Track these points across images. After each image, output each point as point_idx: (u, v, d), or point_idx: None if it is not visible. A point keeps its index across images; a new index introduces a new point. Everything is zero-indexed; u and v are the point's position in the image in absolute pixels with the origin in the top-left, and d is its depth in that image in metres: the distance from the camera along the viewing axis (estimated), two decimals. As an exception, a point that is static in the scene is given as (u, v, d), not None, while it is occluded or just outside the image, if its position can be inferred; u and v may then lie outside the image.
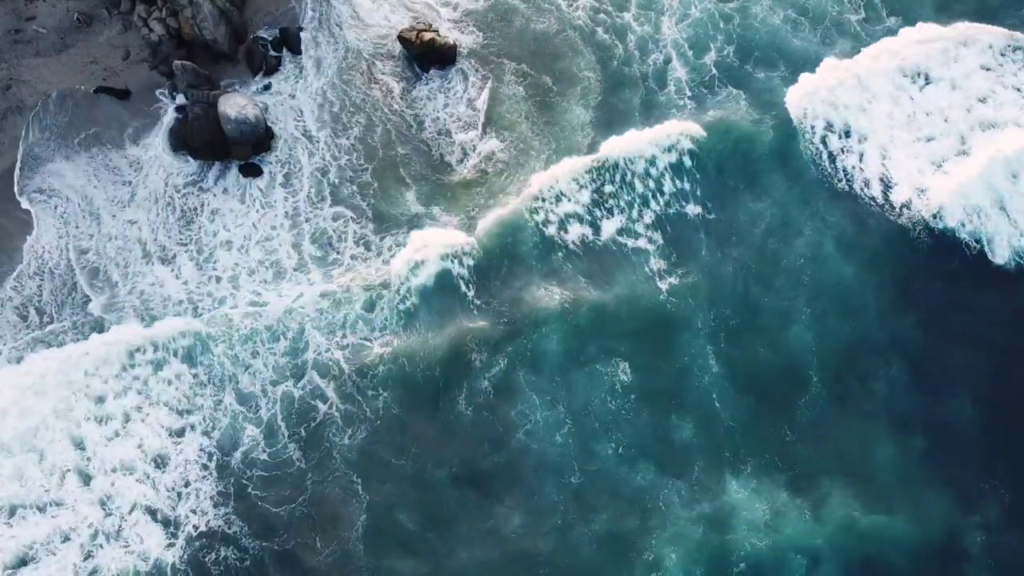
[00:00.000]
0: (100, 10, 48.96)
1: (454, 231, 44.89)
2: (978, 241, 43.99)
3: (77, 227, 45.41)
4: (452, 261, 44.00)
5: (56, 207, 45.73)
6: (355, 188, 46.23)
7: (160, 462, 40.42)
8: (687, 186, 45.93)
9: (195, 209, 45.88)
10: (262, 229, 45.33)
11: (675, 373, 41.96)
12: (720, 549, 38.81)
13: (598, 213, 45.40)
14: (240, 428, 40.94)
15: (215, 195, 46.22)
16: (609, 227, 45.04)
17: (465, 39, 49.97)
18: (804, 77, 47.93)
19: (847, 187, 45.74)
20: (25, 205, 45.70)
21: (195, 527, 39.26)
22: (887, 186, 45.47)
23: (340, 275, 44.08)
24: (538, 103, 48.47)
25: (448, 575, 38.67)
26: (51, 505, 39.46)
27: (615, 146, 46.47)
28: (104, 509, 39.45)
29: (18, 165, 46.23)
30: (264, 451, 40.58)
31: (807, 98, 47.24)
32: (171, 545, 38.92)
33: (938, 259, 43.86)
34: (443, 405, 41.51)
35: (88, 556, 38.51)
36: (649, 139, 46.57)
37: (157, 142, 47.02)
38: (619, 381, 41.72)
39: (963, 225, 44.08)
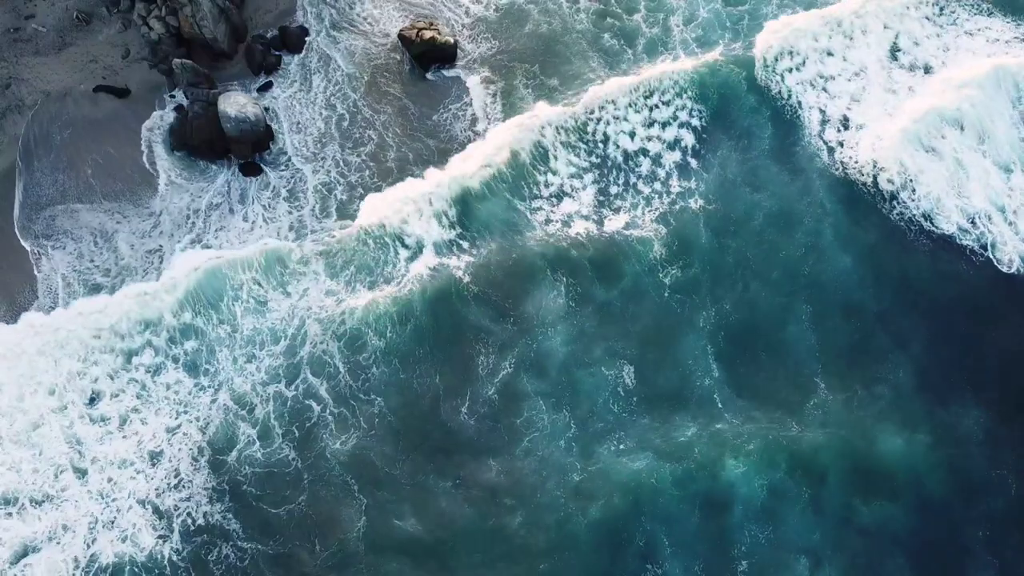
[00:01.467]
0: (99, 8, 48.75)
1: (414, 180, 45.12)
2: (983, 244, 43.67)
3: (92, 261, 44.40)
4: (449, 257, 43.70)
5: (65, 246, 44.64)
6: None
7: (156, 458, 40.06)
8: (686, 160, 46.06)
9: (204, 228, 45.33)
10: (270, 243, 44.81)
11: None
12: (720, 540, 38.52)
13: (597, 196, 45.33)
14: (236, 427, 40.53)
15: (223, 213, 45.67)
16: (612, 218, 44.89)
17: (479, 49, 49.59)
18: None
19: (842, 172, 45.72)
20: (27, 246, 44.53)
21: (191, 519, 38.95)
22: (881, 173, 45.39)
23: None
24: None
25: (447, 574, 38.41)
26: (50, 499, 39.28)
27: (598, 93, 46.90)
28: (101, 503, 39.18)
29: (17, 201, 45.31)
30: (260, 451, 40.18)
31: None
32: (166, 538, 38.64)
33: (940, 254, 43.73)
34: (442, 404, 41.16)
35: (87, 547, 38.37)
36: (631, 84, 47.10)
37: (165, 165, 46.51)
38: (622, 384, 41.38)
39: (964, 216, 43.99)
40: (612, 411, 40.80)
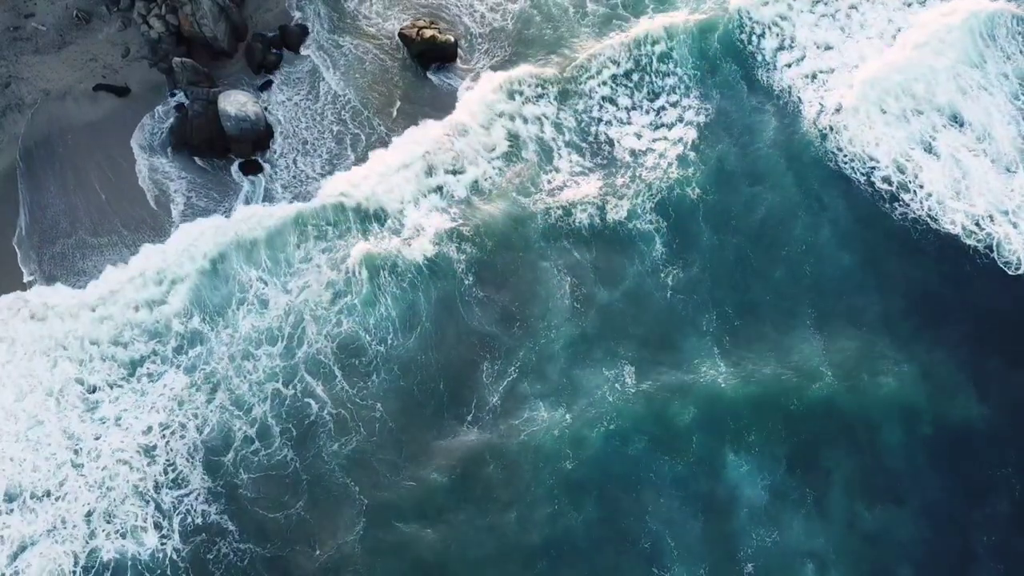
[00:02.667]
0: (99, 7, 48.60)
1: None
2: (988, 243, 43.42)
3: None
4: (450, 244, 43.70)
5: (75, 284, 43.75)
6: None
7: (153, 457, 40.14)
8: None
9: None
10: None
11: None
12: (725, 541, 38.42)
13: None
14: (234, 428, 40.52)
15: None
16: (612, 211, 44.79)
17: (485, 55, 49.25)
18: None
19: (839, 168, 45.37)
20: (26, 272, 44.07)
21: (189, 517, 39.03)
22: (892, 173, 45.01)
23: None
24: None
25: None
26: (47, 496, 39.47)
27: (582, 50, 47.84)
28: (100, 501, 39.35)
29: (23, 223, 44.98)
30: (259, 453, 40.19)
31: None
32: (166, 537, 38.73)
33: (944, 254, 43.27)
34: (442, 404, 41.12)
35: (86, 543, 38.58)
36: (619, 42, 47.93)
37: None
38: (624, 382, 41.32)
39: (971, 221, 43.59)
40: (610, 402, 40.75)
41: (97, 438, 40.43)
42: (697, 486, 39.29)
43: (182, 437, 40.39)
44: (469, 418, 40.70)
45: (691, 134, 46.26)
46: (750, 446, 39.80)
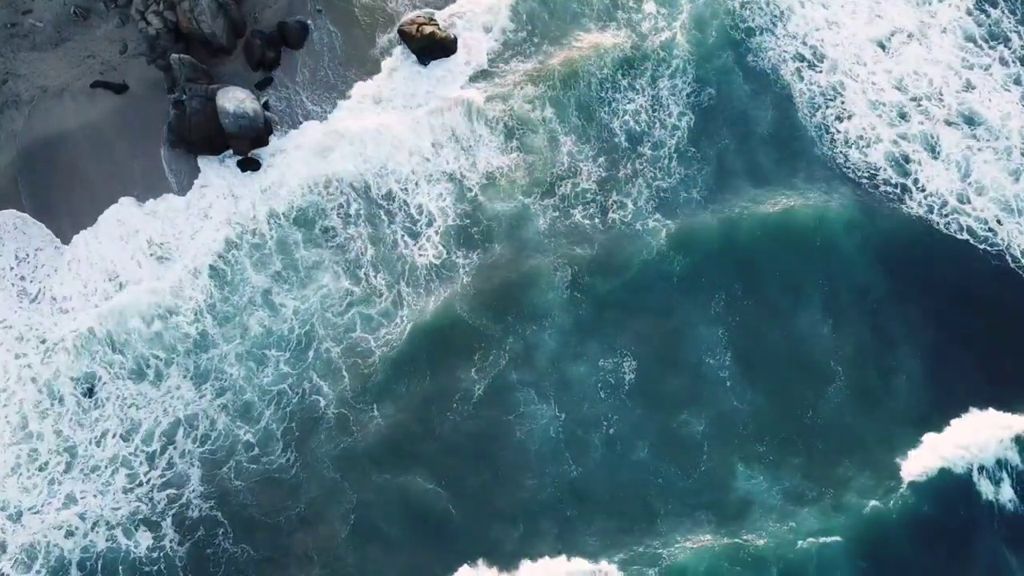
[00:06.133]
0: (97, 3, 48.33)
1: None
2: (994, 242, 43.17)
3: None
4: (456, 253, 43.75)
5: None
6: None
7: (152, 458, 40.10)
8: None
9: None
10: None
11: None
12: (734, 543, 38.51)
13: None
14: (234, 429, 40.45)
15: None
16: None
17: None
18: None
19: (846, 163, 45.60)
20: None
21: (186, 519, 39.06)
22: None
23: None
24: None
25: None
26: (42, 497, 39.54)
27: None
28: (97, 501, 39.41)
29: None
30: (258, 454, 40.10)
31: None
32: (160, 538, 38.79)
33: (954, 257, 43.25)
34: (440, 410, 41.14)
35: (83, 542, 38.72)
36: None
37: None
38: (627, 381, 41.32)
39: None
40: (611, 405, 40.73)
41: (95, 437, 40.27)
42: (703, 484, 38.93)
43: (183, 441, 40.42)
44: (466, 415, 40.78)
45: (691, 121, 46.10)
46: (760, 457, 40.01)
